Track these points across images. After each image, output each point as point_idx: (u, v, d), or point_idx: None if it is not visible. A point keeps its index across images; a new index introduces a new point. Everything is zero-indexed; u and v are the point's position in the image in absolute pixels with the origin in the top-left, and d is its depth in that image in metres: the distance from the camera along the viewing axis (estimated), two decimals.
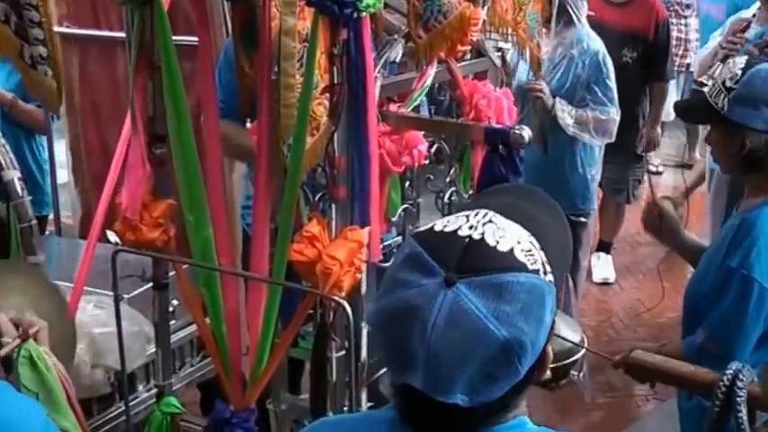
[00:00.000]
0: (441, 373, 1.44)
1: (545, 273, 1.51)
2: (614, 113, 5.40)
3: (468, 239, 1.49)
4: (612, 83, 5.42)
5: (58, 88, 2.76)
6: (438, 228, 1.54)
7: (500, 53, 3.59)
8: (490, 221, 1.51)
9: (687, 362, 2.91)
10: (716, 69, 3.12)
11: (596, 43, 5.41)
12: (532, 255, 1.50)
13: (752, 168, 3.07)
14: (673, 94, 8.00)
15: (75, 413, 2.35)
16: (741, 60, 3.07)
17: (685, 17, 8.70)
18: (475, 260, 1.46)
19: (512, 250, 1.48)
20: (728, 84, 3.01)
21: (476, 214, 1.53)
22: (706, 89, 3.11)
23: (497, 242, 1.49)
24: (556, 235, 1.65)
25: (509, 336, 1.43)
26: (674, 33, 8.48)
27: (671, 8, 8.53)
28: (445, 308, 1.43)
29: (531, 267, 1.48)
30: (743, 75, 3.00)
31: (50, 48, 2.71)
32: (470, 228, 1.50)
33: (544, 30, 5.32)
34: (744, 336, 3.03)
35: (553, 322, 1.56)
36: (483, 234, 1.49)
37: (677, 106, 3.38)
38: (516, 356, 1.45)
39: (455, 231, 1.51)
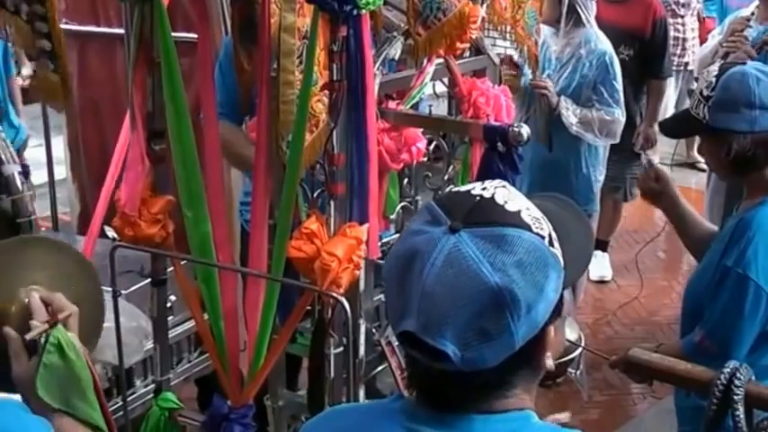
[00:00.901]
0: (432, 314, 1.47)
1: (550, 243, 1.53)
2: (619, 115, 5.42)
3: (479, 197, 1.54)
4: (619, 84, 5.44)
5: (63, 84, 2.75)
6: (456, 189, 1.63)
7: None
8: (504, 187, 1.57)
9: (685, 360, 2.92)
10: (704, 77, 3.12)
11: (604, 44, 5.43)
12: (540, 222, 1.54)
13: (744, 170, 3.07)
14: (672, 93, 8.01)
15: (100, 402, 2.30)
16: (714, 68, 3.08)
17: (682, 16, 8.69)
18: (481, 214, 1.51)
19: (519, 212, 1.53)
20: (705, 93, 3.03)
21: (492, 181, 1.59)
22: (688, 103, 3.14)
23: (506, 202, 1.54)
24: (579, 238, 1.69)
25: (501, 283, 1.45)
26: (672, 33, 8.48)
27: (668, 7, 8.51)
28: (444, 251, 1.48)
29: (535, 230, 1.51)
30: (717, 81, 3.01)
31: (55, 43, 2.70)
32: (483, 189, 1.56)
33: (553, 30, 5.37)
34: (740, 335, 3.03)
35: (558, 308, 1.57)
36: (494, 194, 1.55)
37: (663, 126, 3.37)
38: (508, 310, 1.46)
39: (469, 191, 1.57)
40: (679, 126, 3.23)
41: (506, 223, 1.50)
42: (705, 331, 3.06)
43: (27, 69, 6.22)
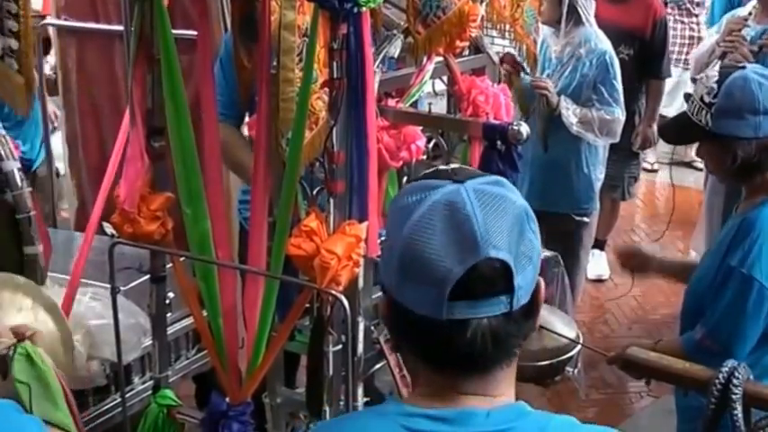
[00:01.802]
0: (493, 231, 1.56)
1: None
2: (619, 114, 5.43)
3: (450, 169, 1.69)
4: (619, 84, 5.45)
5: (27, 86, 2.72)
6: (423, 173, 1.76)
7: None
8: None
9: (684, 358, 2.93)
10: (700, 83, 3.13)
11: (604, 44, 5.44)
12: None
13: (748, 175, 3.09)
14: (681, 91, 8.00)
15: (71, 410, 2.35)
16: (713, 73, 3.09)
17: (696, 15, 8.71)
18: (466, 171, 1.68)
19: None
20: (707, 99, 3.04)
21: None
22: (686, 108, 3.14)
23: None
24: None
25: (523, 204, 1.62)
26: (687, 32, 8.50)
27: (682, 6, 8.55)
28: (470, 192, 1.59)
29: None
30: (719, 87, 3.02)
31: (23, 42, 2.68)
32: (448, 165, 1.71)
33: (552, 30, 5.38)
34: (742, 334, 3.04)
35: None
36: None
37: (663, 133, 3.38)
38: (529, 223, 1.62)
39: (436, 167, 1.73)
40: (681, 133, 3.22)
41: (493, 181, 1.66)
42: (707, 330, 3.07)
43: None
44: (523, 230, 1.60)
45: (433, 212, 1.58)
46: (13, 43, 2.67)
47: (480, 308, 1.57)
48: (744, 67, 3.09)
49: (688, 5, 8.65)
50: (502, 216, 1.58)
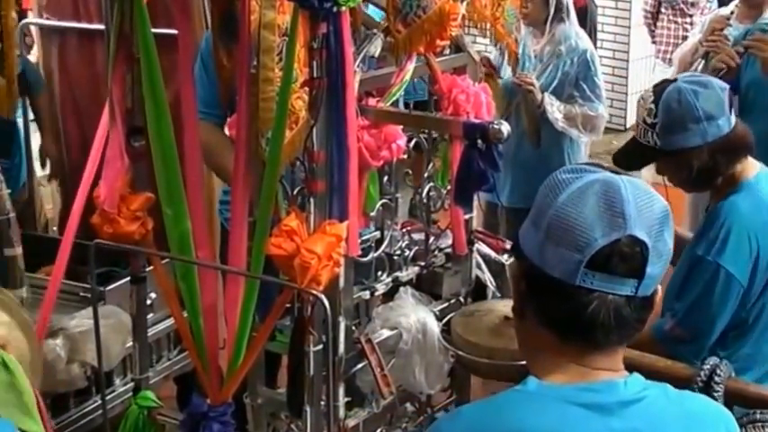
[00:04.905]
0: (641, 217, 1.70)
1: None
2: (602, 110, 5.49)
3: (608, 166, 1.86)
4: (600, 80, 5.52)
5: (9, 87, 2.70)
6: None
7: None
8: None
9: (654, 347, 2.95)
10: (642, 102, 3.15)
11: (584, 41, 5.51)
12: None
13: (710, 179, 3.13)
14: None
15: (43, 421, 2.35)
16: (648, 94, 3.13)
17: (690, 16, 8.71)
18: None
19: None
20: (649, 120, 3.10)
21: None
22: (633, 133, 3.19)
23: None
24: None
25: (667, 207, 1.76)
26: (680, 32, 8.51)
27: (676, 6, 8.55)
28: (627, 182, 1.73)
29: None
30: (656, 105, 3.05)
31: (5, 43, 2.66)
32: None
33: (529, 29, 5.40)
34: (711, 321, 3.08)
35: None
36: None
37: (617, 161, 3.39)
38: (668, 225, 1.75)
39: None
40: (634, 158, 3.26)
41: None
42: (677, 319, 3.10)
43: None
44: (663, 230, 1.73)
45: (590, 187, 1.72)
46: None
47: (610, 284, 1.69)
48: (675, 80, 3.13)
49: (682, 6, 8.66)
50: (650, 209, 1.72)
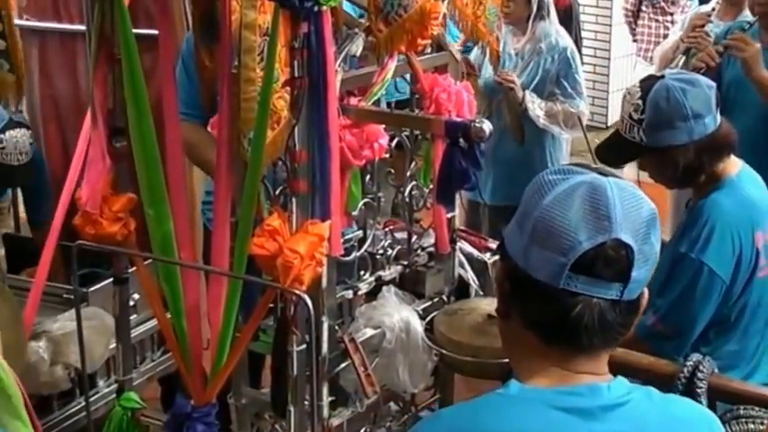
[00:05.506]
0: (627, 219, 1.69)
1: None
2: (583, 107, 5.54)
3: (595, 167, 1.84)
4: (581, 77, 5.56)
5: (18, 83, 2.72)
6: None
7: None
8: None
9: (637, 343, 2.96)
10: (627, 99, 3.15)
11: (565, 39, 5.55)
12: None
13: (693, 177, 3.14)
14: None
15: (32, 421, 2.33)
16: (636, 90, 3.13)
17: (671, 14, 8.72)
18: (609, 171, 1.80)
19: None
20: (636, 116, 3.10)
21: None
22: (618, 128, 3.18)
23: None
24: None
25: (654, 209, 1.74)
26: (661, 30, 8.52)
27: (657, 5, 8.56)
28: (614, 185, 1.71)
29: None
30: (644, 102, 3.06)
31: (9, 41, 2.68)
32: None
33: (509, 27, 5.42)
34: (693, 318, 3.10)
35: None
36: None
37: (599, 154, 3.39)
38: (655, 228, 1.73)
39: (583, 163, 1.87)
40: (618, 153, 3.25)
41: None
42: (660, 315, 3.11)
43: None
44: (649, 233, 1.71)
45: (576, 189, 1.71)
46: (1, 43, 2.66)
47: (594, 287, 1.68)
48: (663, 77, 3.13)
49: (663, 4, 8.66)
50: (637, 211, 1.71)
